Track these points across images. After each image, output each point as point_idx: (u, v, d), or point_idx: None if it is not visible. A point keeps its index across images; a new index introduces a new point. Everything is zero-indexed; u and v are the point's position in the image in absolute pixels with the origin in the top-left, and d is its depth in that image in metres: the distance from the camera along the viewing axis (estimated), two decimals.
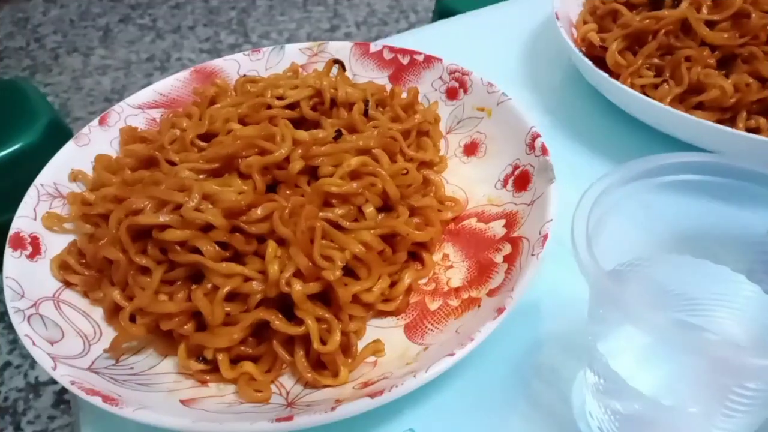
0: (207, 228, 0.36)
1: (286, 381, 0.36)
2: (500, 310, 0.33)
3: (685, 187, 0.32)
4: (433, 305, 0.38)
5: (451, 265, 0.41)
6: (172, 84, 0.52)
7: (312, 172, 0.40)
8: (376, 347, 0.36)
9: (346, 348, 0.36)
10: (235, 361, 0.36)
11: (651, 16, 0.50)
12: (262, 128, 0.40)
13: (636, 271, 0.33)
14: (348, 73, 0.53)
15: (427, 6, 1.80)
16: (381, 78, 0.53)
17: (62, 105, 1.49)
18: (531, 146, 0.43)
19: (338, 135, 0.41)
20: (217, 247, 0.36)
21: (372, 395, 0.30)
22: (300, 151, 0.39)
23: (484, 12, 0.69)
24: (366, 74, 0.53)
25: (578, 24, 0.56)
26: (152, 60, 1.62)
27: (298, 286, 0.34)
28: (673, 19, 0.49)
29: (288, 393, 0.35)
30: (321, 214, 0.37)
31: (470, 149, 0.48)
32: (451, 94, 0.50)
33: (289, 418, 0.30)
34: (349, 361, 0.35)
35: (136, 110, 0.51)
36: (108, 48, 1.67)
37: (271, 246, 0.35)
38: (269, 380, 0.35)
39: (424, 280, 0.40)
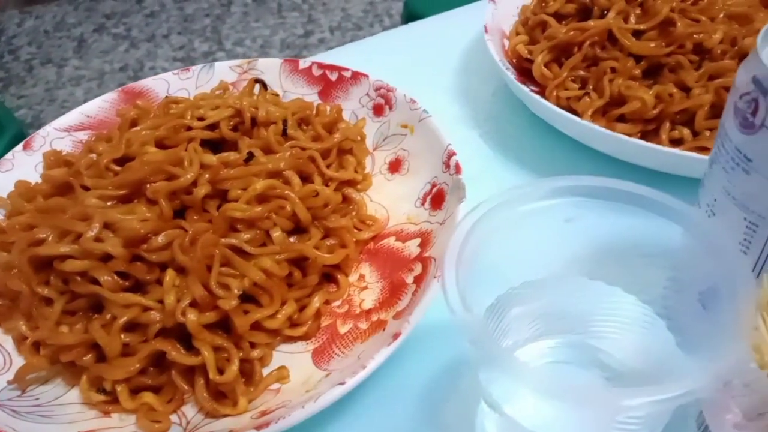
0: (108, 257, 0.36)
1: (189, 410, 0.35)
2: (396, 336, 0.33)
3: (603, 209, 0.31)
4: (344, 328, 0.38)
5: (366, 286, 0.40)
6: (99, 105, 0.52)
7: (223, 196, 0.40)
8: (280, 374, 0.36)
9: (250, 375, 0.35)
10: (137, 390, 0.35)
11: (576, 27, 0.50)
12: (170, 153, 0.40)
13: (532, 292, 0.32)
14: (278, 90, 0.53)
15: (402, 10, 1.79)
16: (311, 94, 0.53)
17: (35, 117, 1.48)
18: (447, 164, 0.43)
19: (249, 157, 0.41)
20: (115, 277, 0.35)
21: (259, 427, 0.30)
22: (207, 175, 0.39)
23: (428, 22, 0.69)
24: (296, 90, 0.53)
25: (511, 35, 0.56)
26: (125, 70, 1.62)
27: (192, 316, 0.33)
28: (598, 30, 0.49)
29: (188, 423, 0.34)
30: (224, 240, 0.36)
31: (394, 166, 0.47)
32: (378, 110, 0.50)
33: None
34: (251, 389, 0.35)
35: (62, 133, 0.50)
36: (82, 58, 1.67)
37: (170, 275, 0.35)
38: (169, 411, 0.35)
39: (337, 302, 0.40)
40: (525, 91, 0.47)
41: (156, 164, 0.39)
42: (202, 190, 0.38)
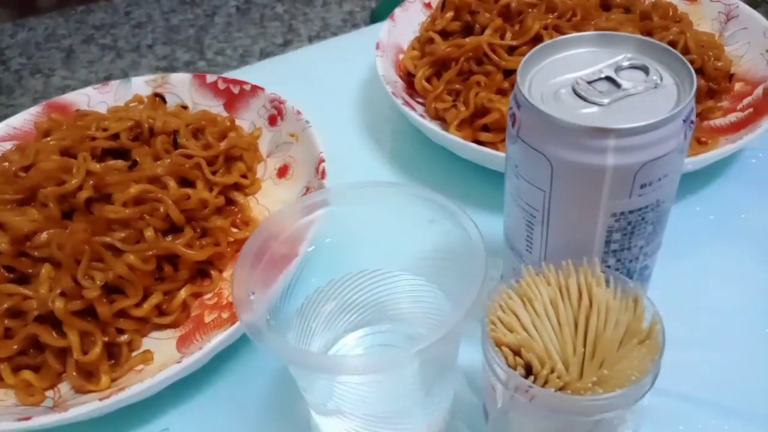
0: None
1: (65, 387, 0.40)
2: (233, 322, 0.37)
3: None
4: (209, 318, 0.43)
5: None
6: (25, 118, 0.57)
7: (109, 200, 0.45)
8: (144, 357, 0.40)
9: (118, 357, 0.40)
10: (21, 368, 0.40)
11: (453, 44, 0.54)
12: (62, 161, 0.45)
13: (346, 286, 0.37)
14: (189, 102, 0.58)
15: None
16: (217, 106, 0.57)
17: None
18: (317, 170, 0.47)
19: (133, 165, 0.46)
20: (2, 270, 0.40)
21: (102, 398, 0.35)
22: (92, 181, 0.44)
23: (351, 36, 0.73)
24: (205, 103, 0.58)
25: (408, 50, 0.60)
26: (109, 79, 1.68)
27: (59, 304, 0.38)
28: (472, 47, 0.53)
29: (60, 397, 0.39)
30: (98, 238, 0.41)
31: (282, 172, 0.52)
32: (272, 120, 0.55)
33: (28, 418, 0.34)
34: (118, 369, 0.40)
35: None
36: (69, 69, 1.73)
37: (46, 268, 0.40)
38: (45, 386, 0.39)
39: (209, 295, 0.44)
40: (398, 103, 0.51)
41: (48, 171, 0.44)
42: (84, 194, 0.43)
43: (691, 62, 0.52)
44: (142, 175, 0.44)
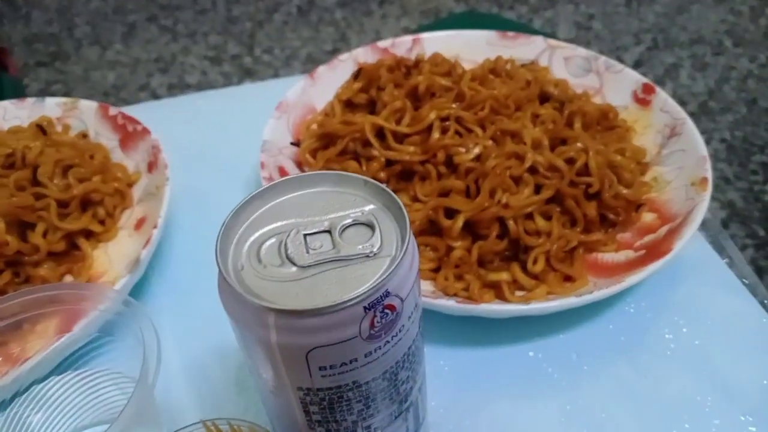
0: None
1: None
2: None
3: None
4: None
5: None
6: None
7: None
8: None
9: None
10: None
11: (344, 120, 0.51)
12: None
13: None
14: (92, 131, 0.58)
15: None
16: (113, 140, 0.57)
17: (65, 95, 1.63)
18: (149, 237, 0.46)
19: None
20: None
21: None
22: None
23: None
24: (105, 134, 0.58)
25: (315, 115, 0.58)
26: (158, 61, 1.74)
27: None
28: (360, 128, 0.50)
29: None
30: None
31: (139, 224, 0.51)
32: (150, 167, 0.53)
33: None
34: None
35: None
36: (126, 44, 1.80)
37: None
38: None
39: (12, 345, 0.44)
40: (261, 175, 0.49)
41: None
42: None
43: (588, 185, 0.47)
44: None
